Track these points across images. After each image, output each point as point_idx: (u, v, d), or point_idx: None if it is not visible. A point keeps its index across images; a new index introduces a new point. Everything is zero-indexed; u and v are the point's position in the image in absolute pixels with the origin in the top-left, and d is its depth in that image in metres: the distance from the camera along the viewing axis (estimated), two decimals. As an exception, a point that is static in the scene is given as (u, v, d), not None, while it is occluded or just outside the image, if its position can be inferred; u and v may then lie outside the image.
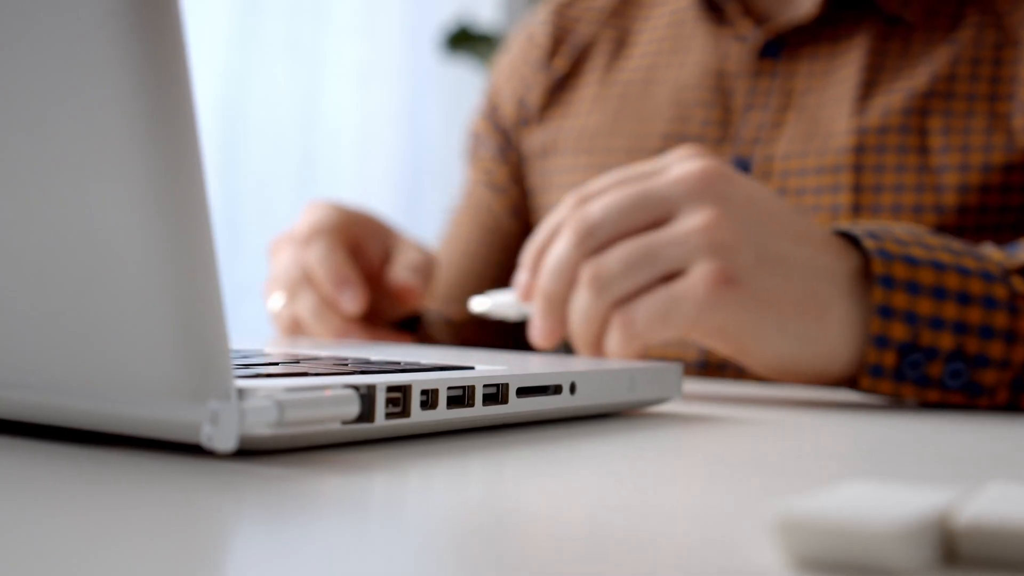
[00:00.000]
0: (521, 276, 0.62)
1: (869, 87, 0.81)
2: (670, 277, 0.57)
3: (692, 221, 0.56)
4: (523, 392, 0.41)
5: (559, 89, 0.95)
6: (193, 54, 1.89)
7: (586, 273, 0.57)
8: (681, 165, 0.58)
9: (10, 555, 0.20)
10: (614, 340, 0.57)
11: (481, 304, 0.64)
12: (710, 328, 0.56)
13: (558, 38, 0.97)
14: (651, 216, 0.57)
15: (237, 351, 0.45)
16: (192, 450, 0.32)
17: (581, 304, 0.57)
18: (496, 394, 0.39)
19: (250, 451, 0.32)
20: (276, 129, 2.08)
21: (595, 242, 0.57)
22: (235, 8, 2.03)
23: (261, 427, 0.30)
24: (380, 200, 2.16)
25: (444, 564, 0.22)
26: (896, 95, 0.79)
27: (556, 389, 0.42)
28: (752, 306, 0.56)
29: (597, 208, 0.58)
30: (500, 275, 0.97)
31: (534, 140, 0.95)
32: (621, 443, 0.39)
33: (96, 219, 0.30)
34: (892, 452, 0.39)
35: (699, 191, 0.57)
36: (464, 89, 2.22)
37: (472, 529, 0.25)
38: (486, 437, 0.39)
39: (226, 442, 0.29)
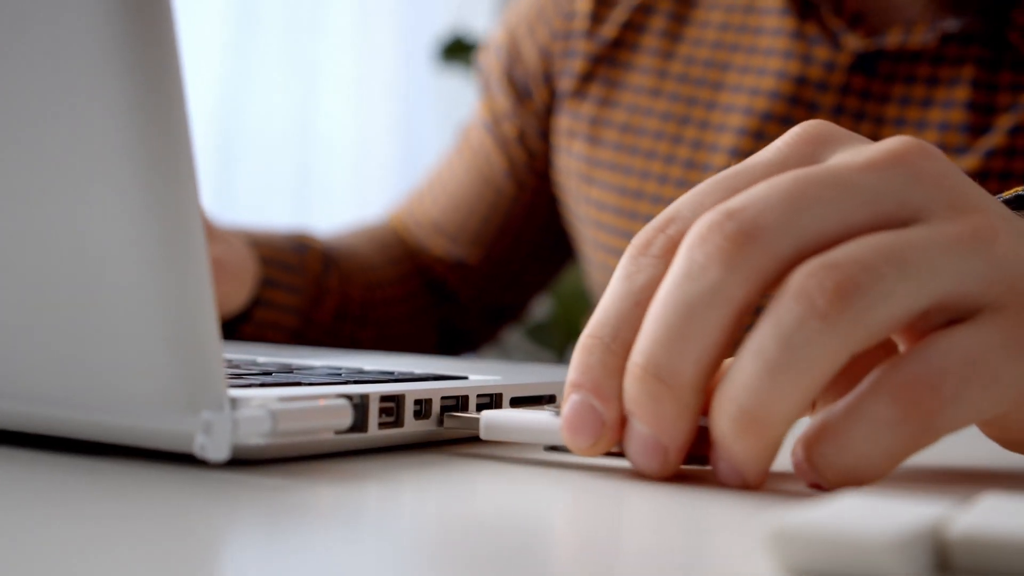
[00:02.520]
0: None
1: (981, 117, 0.68)
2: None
3: (950, 229, 0.32)
4: (517, 402, 0.41)
5: (604, 60, 0.81)
6: (188, 64, 1.89)
7: (811, 279, 0.30)
8: (862, 150, 0.33)
9: (2, 566, 0.20)
10: (884, 424, 0.30)
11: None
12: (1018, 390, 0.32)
13: None
14: (866, 217, 0.32)
15: (230, 361, 0.45)
16: (185, 460, 0.32)
17: (798, 338, 0.30)
18: (490, 404, 0.39)
19: (243, 461, 0.32)
20: (271, 139, 2.08)
21: (766, 253, 0.31)
22: (231, 18, 2.03)
23: (254, 437, 0.30)
24: (376, 210, 2.16)
25: (437, 574, 0.22)
26: (1011, 124, 0.67)
27: (551, 399, 0.42)
28: None
29: (760, 202, 0.31)
30: (485, 231, 0.88)
31: (569, 117, 0.82)
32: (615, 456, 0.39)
33: (88, 230, 0.30)
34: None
35: (929, 183, 0.32)
36: (460, 99, 2.22)
37: (465, 539, 0.25)
38: (480, 447, 0.39)
39: (219, 452, 0.29)
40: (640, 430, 0.31)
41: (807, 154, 0.34)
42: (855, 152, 0.33)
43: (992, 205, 0.33)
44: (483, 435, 0.36)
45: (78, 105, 0.29)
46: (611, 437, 0.32)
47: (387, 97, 2.22)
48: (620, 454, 0.33)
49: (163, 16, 0.28)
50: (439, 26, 2.19)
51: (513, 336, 1.82)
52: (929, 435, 0.30)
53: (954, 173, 0.33)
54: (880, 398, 0.30)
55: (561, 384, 0.43)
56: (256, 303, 0.75)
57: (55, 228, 0.30)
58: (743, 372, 0.30)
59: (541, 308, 1.85)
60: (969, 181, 0.33)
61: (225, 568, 0.22)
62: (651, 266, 0.33)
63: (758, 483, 0.31)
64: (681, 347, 0.31)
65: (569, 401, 0.33)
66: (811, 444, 0.31)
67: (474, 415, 0.37)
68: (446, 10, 2.22)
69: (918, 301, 0.30)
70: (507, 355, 1.83)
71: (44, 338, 0.31)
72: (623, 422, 0.32)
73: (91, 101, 0.29)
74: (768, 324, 0.30)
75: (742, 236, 0.30)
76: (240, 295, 0.71)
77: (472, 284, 0.90)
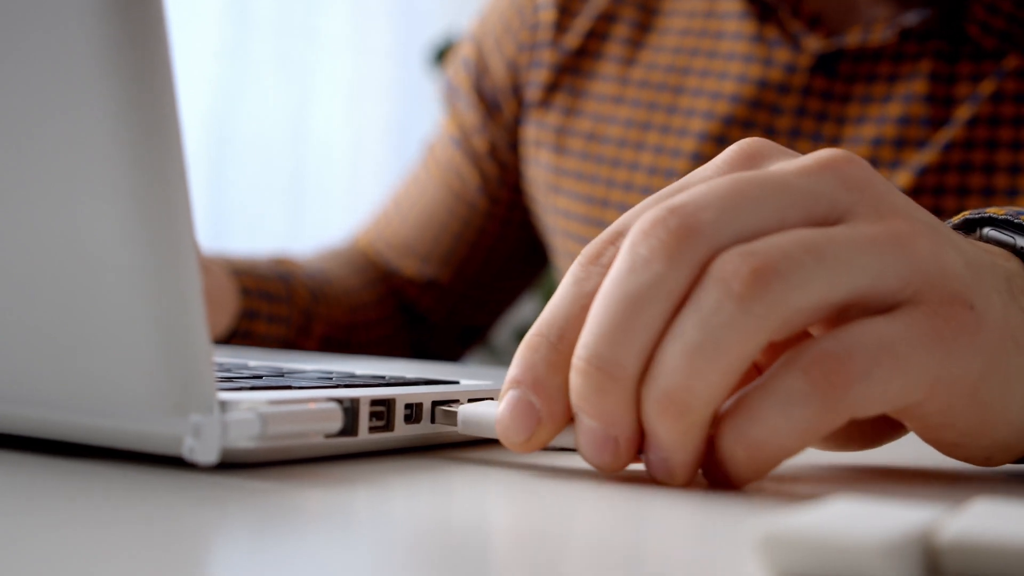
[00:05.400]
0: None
1: (940, 109, 0.69)
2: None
3: (872, 229, 0.33)
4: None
5: (568, 69, 0.81)
6: (182, 69, 1.89)
7: (729, 264, 0.31)
8: (794, 160, 0.35)
9: (-14, 567, 0.20)
10: (794, 397, 0.31)
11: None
12: (950, 381, 0.33)
13: (567, 6, 0.82)
14: (797, 215, 0.33)
15: (220, 364, 0.45)
16: (174, 463, 0.32)
17: (715, 320, 0.31)
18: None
19: (232, 464, 0.32)
20: (266, 143, 2.08)
21: (706, 247, 0.32)
22: (225, 23, 2.03)
23: (243, 440, 0.30)
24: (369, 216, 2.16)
25: (425, 579, 0.21)
26: (969, 115, 0.69)
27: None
28: (1002, 346, 0.34)
29: (701, 200, 0.32)
30: (458, 248, 0.88)
31: (535, 127, 0.82)
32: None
33: (77, 233, 0.30)
34: (876, 471, 0.39)
35: (855, 187, 0.33)
36: (453, 104, 2.22)
37: (456, 544, 0.24)
38: (471, 452, 0.38)
39: (208, 455, 0.29)
40: (589, 424, 0.32)
41: (745, 168, 0.35)
42: (789, 161, 0.35)
43: (916, 212, 0.34)
44: (460, 429, 0.36)
45: (68, 109, 0.29)
46: (546, 433, 0.33)
47: (381, 101, 2.22)
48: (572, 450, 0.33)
49: (155, 19, 0.28)
50: (433, 30, 2.19)
51: (503, 340, 1.82)
52: (839, 410, 0.31)
53: (880, 181, 0.34)
54: (791, 372, 0.31)
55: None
56: (234, 334, 0.75)
57: (45, 231, 0.30)
58: (664, 354, 0.31)
59: (530, 311, 1.85)
60: (894, 189, 0.34)
61: (213, 573, 0.22)
62: (599, 274, 0.33)
63: (684, 474, 0.32)
64: (626, 339, 0.31)
65: (506, 397, 0.33)
66: (725, 418, 0.32)
67: (454, 409, 0.37)
68: (440, 14, 2.22)
69: (834, 291, 0.31)
70: (497, 359, 1.83)
71: (33, 341, 0.31)
72: (565, 419, 0.33)
73: (81, 105, 0.29)
74: (689, 308, 0.31)
75: (684, 230, 0.31)
76: (219, 326, 0.71)
77: (444, 304, 0.90)
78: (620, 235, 0.34)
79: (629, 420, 0.32)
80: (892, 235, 0.32)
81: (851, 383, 0.31)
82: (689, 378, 0.30)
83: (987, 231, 0.39)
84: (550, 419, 0.33)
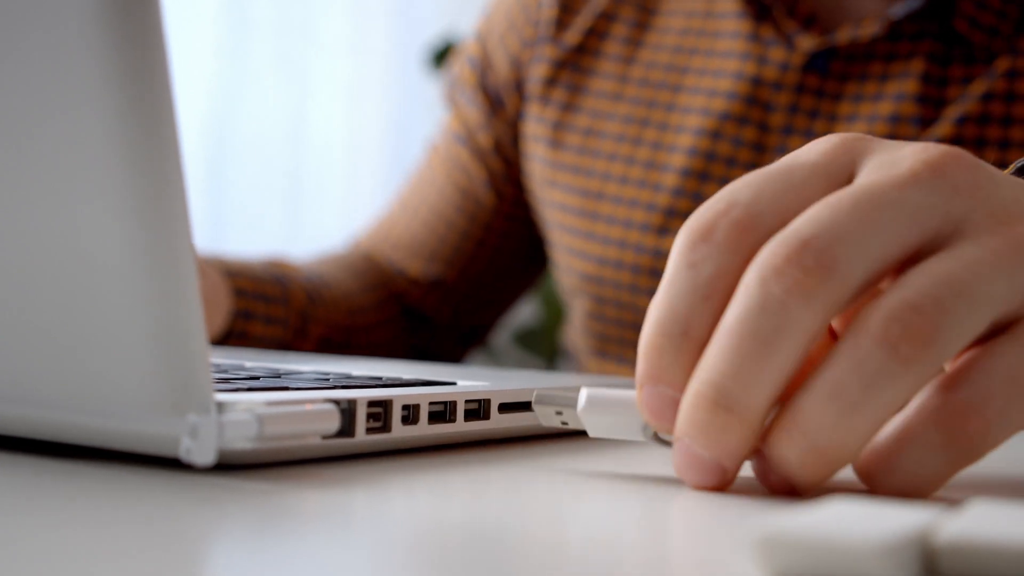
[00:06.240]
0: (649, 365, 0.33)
1: (931, 110, 0.70)
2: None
3: (994, 242, 0.32)
4: (505, 408, 0.40)
5: (567, 65, 0.82)
6: (181, 70, 1.89)
7: (894, 323, 0.30)
8: (900, 162, 0.33)
9: (-18, 568, 0.20)
10: (930, 450, 0.31)
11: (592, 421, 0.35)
12: None
13: (568, 4, 0.83)
14: (910, 237, 0.32)
15: (217, 365, 0.45)
16: (172, 464, 0.32)
17: (876, 380, 0.30)
18: (478, 410, 0.39)
19: (230, 465, 0.32)
20: (263, 145, 2.08)
21: (842, 288, 0.31)
22: (223, 25, 2.03)
23: (240, 441, 0.30)
24: (367, 217, 2.16)
25: (422, 580, 0.21)
26: (957, 114, 0.69)
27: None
28: None
29: (830, 231, 0.31)
30: (464, 245, 0.88)
31: (534, 122, 0.83)
32: (603, 460, 0.39)
33: (74, 234, 0.30)
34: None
35: (967, 193, 0.32)
36: (451, 106, 2.22)
37: (453, 545, 0.24)
38: (468, 453, 0.38)
39: (205, 456, 0.29)
40: (699, 453, 0.31)
41: (845, 164, 0.34)
42: (892, 163, 0.33)
43: None
44: (581, 410, 0.35)
45: (64, 110, 0.29)
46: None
47: (379, 102, 2.22)
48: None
49: (152, 20, 0.28)
50: (431, 32, 2.19)
51: (502, 342, 1.82)
52: (974, 455, 0.31)
53: (986, 178, 0.33)
54: (927, 425, 0.31)
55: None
56: (229, 335, 0.75)
57: (41, 233, 0.30)
58: (812, 404, 0.30)
59: (530, 314, 1.85)
60: (1000, 181, 0.33)
61: (212, 573, 0.22)
62: (716, 255, 0.32)
63: (808, 492, 0.32)
64: (757, 380, 0.30)
65: (644, 391, 0.32)
66: (861, 470, 0.32)
67: (569, 394, 0.35)
68: (438, 16, 2.22)
69: (980, 327, 0.31)
70: (496, 361, 1.83)
71: (30, 341, 0.31)
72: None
73: (77, 106, 0.29)
74: (841, 359, 0.30)
75: (821, 270, 0.30)
76: (213, 326, 0.71)
77: (448, 304, 0.90)
78: (733, 206, 0.33)
79: (744, 453, 0.31)
80: (1014, 247, 0.32)
81: (988, 430, 0.31)
82: (845, 435, 0.30)
83: None
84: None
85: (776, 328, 0.30)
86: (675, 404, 0.32)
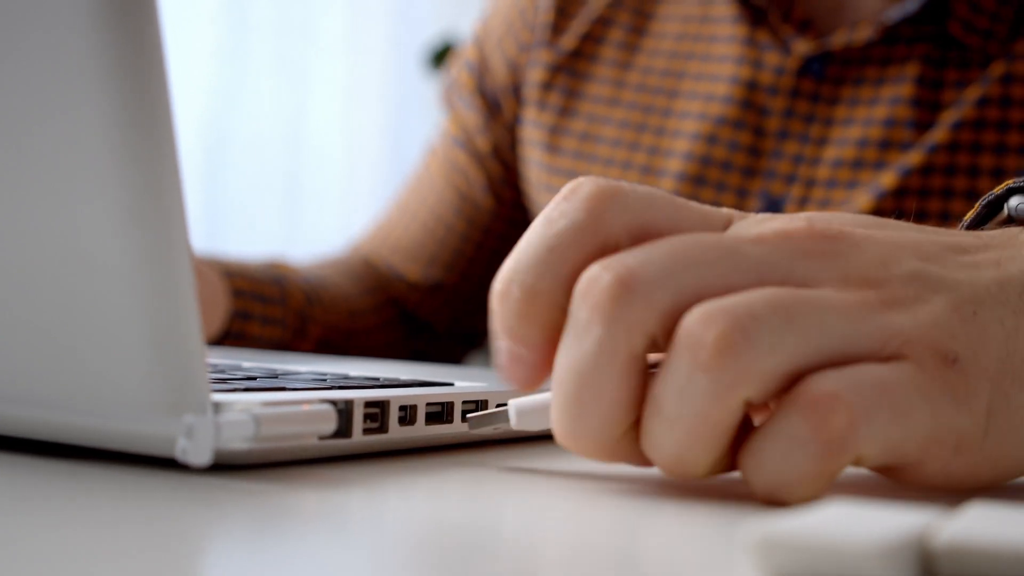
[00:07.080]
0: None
1: (926, 113, 0.70)
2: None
3: (839, 296, 0.31)
4: (503, 409, 0.40)
5: (563, 70, 0.82)
6: (178, 70, 1.89)
7: (695, 327, 0.30)
8: (759, 225, 0.33)
9: (-23, 569, 0.20)
10: (795, 442, 0.30)
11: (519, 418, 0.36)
12: (941, 440, 0.31)
13: (564, 8, 0.83)
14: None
15: (214, 365, 0.45)
16: (168, 464, 0.32)
17: (689, 391, 0.30)
18: (475, 411, 0.39)
19: (226, 466, 0.32)
20: (261, 145, 2.08)
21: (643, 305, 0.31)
22: (222, 25, 2.03)
23: (237, 441, 0.30)
24: (366, 218, 2.16)
25: (419, 581, 0.21)
26: (954, 119, 0.70)
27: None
28: (999, 389, 0.32)
29: (639, 258, 0.32)
30: (463, 249, 0.88)
31: (531, 126, 0.83)
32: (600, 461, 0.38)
33: (72, 234, 0.30)
34: (872, 474, 0.39)
35: (815, 257, 0.32)
36: (449, 106, 2.22)
37: (450, 546, 0.24)
38: (465, 454, 0.38)
39: (201, 456, 0.29)
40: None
41: (725, 216, 0.34)
42: (747, 226, 0.33)
43: (892, 267, 0.32)
44: (514, 425, 0.35)
45: (62, 111, 0.29)
46: (538, 377, 0.33)
47: (377, 103, 2.22)
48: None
49: (149, 20, 0.28)
50: (429, 33, 2.19)
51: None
52: (840, 452, 0.29)
53: (850, 248, 0.32)
54: (790, 414, 0.30)
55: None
56: (226, 335, 0.75)
57: (38, 233, 0.30)
58: (650, 428, 0.31)
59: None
60: (871, 250, 0.32)
61: (210, 574, 0.22)
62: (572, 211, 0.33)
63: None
64: (589, 414, 0.31)
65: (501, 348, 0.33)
66: (739, 461, 0.31)
67: (499, 410, 0.36)
68: (436, 17, 2.22)
69: (806, 355, 0.30)
70: (494, 362, 1.83)
71: (27, 342, 0.31)
72: (550, 360, 0.32)
73: (75, 106, 0.29)
74: (662, 378, 0.30)
75: (618, 287, 0.30)
76: (210, 326, 0.71)
77: (446, 308, 0.90)
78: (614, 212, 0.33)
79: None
80: (861, 303, 0.31)
81: (853, 425, 0.29)
82: (680, 452, 0.30)
83: (1017, 204, 0.37)
84: (537, 364, 0.33)
85: (585, 355, 0.31)
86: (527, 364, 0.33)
